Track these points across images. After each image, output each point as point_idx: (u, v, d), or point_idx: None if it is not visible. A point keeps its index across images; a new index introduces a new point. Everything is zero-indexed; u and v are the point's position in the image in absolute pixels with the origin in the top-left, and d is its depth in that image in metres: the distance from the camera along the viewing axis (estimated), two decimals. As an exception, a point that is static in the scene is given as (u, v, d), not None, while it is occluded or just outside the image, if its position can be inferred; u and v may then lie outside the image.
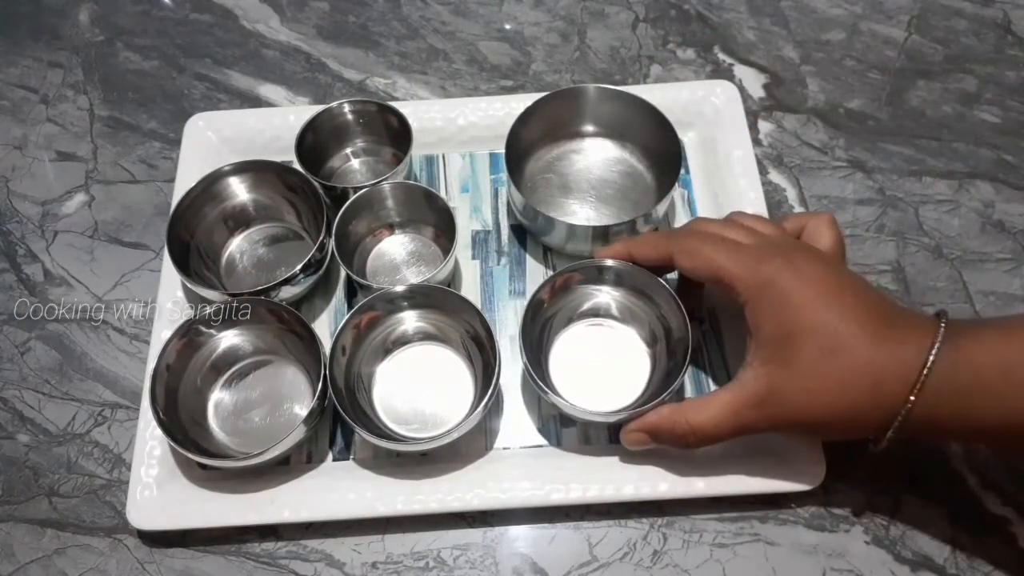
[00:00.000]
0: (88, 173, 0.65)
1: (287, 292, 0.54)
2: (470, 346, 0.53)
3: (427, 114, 0.63)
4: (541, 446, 0.52)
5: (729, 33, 0.71)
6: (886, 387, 0.39)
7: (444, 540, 0.50)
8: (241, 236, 0.60)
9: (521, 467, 0.50)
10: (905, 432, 0.40)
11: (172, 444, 0.48)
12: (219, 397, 0.53)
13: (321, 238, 0.54)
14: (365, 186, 0.56)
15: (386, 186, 0.57)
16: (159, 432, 0.48)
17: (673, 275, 0.52)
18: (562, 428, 0.53)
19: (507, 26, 0.73)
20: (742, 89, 0.67)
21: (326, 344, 0.50)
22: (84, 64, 0.71)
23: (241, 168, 0.58)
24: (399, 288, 0.52)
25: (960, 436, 0.47)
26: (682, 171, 0.56)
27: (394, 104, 0.60)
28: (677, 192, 0.60)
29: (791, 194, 0.62)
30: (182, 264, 0.54)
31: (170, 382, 0.51)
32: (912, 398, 0.38)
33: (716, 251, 0.45)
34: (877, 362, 0.39)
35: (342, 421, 0.51)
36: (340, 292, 0.58)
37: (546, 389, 0.47)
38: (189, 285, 0.54)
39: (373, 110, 0.61)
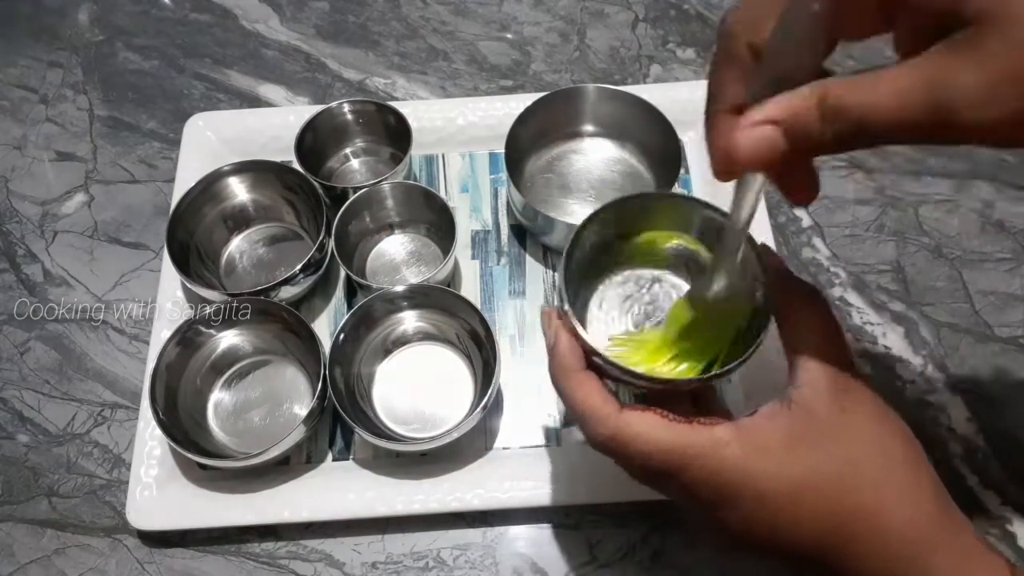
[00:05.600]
0: (88, 173, 0.65)
1: (287, 292, 0.54)
2: (470, 346, 0.53)
3: (427, 114, 0.63)
4: (541, 446, 0.52)
5: (729, 33, 0.71)
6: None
7: (444, 540, 0.50)
8: (241, 236, 0.60)
9: (521, 467, 0.50)
10: None
11: (172, 444, 0.48)
12: (219, 397, 0.53)
13: (321, 238, 0.54)
14: (365, 186, 0.56)
15: (386, 186, 0.56)
16: (159, 432, 0.48)
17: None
18: (562, 428, 0.52)
19: (507, 26, 0.73)
20: (742, 89, 0.66)
21: (326, 344, 0.50)
22: (84, 64, 0.71)
23: (240, 168, 0.58)
24: (399, 288, 0.52)
25: None
26: (681, 171, 0.56)
27: (394, 104, 0.60)
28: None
29: (791, 194, 0.62)
30: (182, 264, 0.54)
31: (170, 382, 0.51)
32: None
33: None
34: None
35: (342, 421, 0.51)
36: (340, 292, 0.58)
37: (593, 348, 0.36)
38: (189, 285, 0.54)
39: (372, 110, 0.61)
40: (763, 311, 0.36)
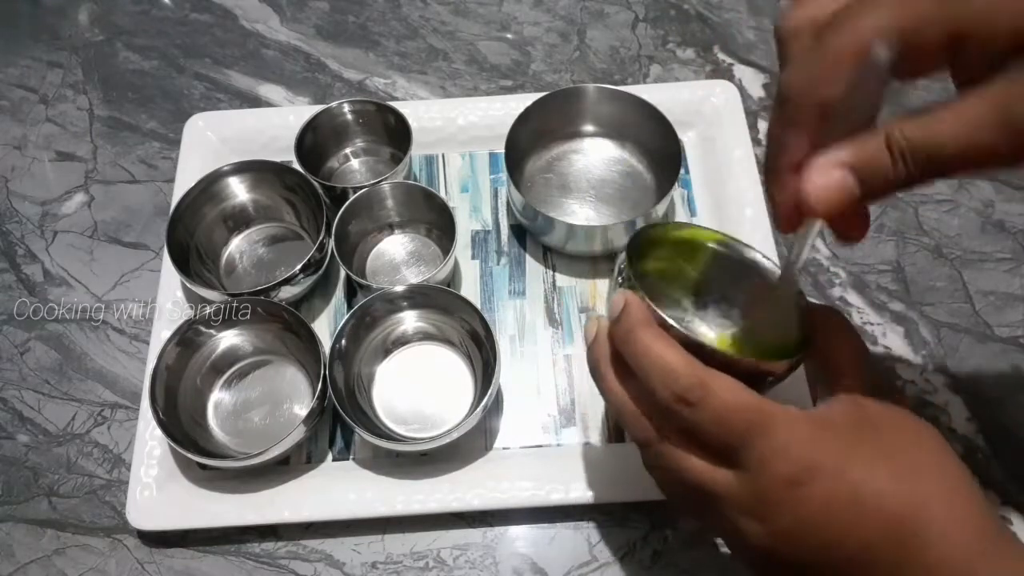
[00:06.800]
0: (88, 173, 0.65)
1: (287, 292, 0.54)
2: (470, 346, 0.53)
3: (427, 114, 0.63)
4: (541, 446, 0.52)
5: (729, 33, 0.71)
6: None
7: (444, 540, 0.50)
8: (241, 236, 0.60)
9: (521, 467, 0.50)
10: None
11: (172, 444, 0.48)
12: (219, 397, 0.53)
13: (321, 238, 0.54)
14: (365, 186, 0.56)
15: (386, 186, 0.57)
16: (159, 432, 0.48)
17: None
18: (562, 428, 0.53)
19: (507, 26, 0.73)
20: (742, 89, 0.67)
21: (326, 344, 0.50)
22: (84, 64, 0.71)
23: (240, 168, 0.58)
24: (399, 288, 0.52)
25: None
26: (682, 171, 0.56)
27: (394, 104, 0.60)
28: (677, 192, 0.60)
29: (791, 194, 0.62)
30: (182, 264, 0.54)
31: (170, 382, 0.51)
32: None
33: None
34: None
35: (342, 421, 0.51)
36: (340, 292, 0.58)
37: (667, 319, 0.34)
38: (189, 285, 0.54)
39: (372, 110, 0.61)
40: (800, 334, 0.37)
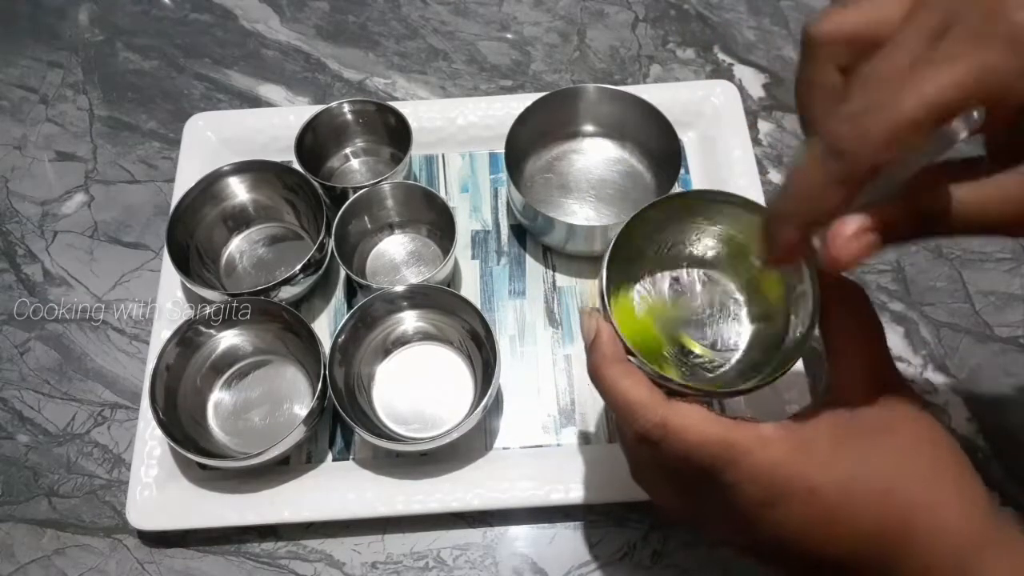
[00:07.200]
0: (88, 173, 0.65)
1: (287, 292, 0.54)
2: (470, 346, 0.53)
3: (427, 114, 0.63)
4: (541, 446, 0.52)
5: (729, 33, 0.71)
6: None
7: (444, 540, 0.50)
8: (241, 236, 0.60)
9: (521, 467, 0.50)
10: None
11: (172, 444, 0.48)
12: (219, 397, 0.53)
13: (321, 238, 0.54)
14: (365, 186, 0.56)
15: (386, 186, 0.57)
16: (159, 432, 0.48)
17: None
18: (562, 428, 0.53)
19: (507, 26, 0.73)
20: (742, 89, 0.67)
21: (326, 344, 0.50)
22: (84, 64, 0.71)
23: (240, 168, 0.58)
24: (399, 288, 0.52)
25: None
26: (682, 171, 0.56)
27: (394, 104, 0.60)
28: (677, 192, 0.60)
29: (791, 194, 0.62)
30: (182, 264, 0.54)
31: (170, 382, 0.51)
32: None
33: None
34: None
35: (342, 421, 0.51)
36: (340, 292, 0.58)
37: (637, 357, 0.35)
38: (189, 285, 0.54)
39: (372, 110, 0.61)
40: (806, 312, 0.35)
